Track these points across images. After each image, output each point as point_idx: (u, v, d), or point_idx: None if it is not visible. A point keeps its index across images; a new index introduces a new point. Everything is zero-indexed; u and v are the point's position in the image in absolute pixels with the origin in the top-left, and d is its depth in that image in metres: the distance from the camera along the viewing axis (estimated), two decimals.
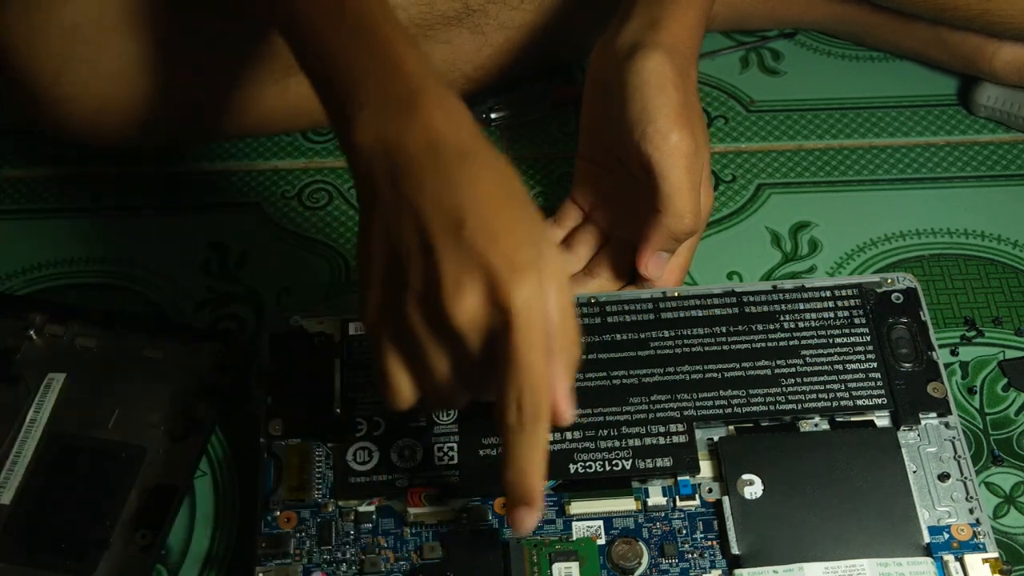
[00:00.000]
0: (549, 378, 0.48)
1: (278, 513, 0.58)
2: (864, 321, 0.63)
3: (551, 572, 0.56)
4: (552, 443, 0.59)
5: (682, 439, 0.59)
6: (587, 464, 0.59)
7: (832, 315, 0.63)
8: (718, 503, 0.58)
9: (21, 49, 0.69)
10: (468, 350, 0.48)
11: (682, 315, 0.64)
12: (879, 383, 0.61)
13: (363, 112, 0.50)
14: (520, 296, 0.46)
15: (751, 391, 0.61)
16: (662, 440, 0.59)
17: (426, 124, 0.49)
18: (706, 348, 0.62)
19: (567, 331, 0.49)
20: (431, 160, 0.48)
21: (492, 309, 0.47)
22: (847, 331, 0.62)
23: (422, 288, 0.48)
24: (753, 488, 0.58)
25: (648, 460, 0.59)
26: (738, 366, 0.61)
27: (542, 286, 0.47)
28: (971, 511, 0.57)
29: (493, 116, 0.82)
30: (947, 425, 0.60)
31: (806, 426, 0.60)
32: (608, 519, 0.58)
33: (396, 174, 0.48)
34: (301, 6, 0.53)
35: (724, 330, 0.63)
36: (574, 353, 0.49)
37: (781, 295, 0.64)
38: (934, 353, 0.62)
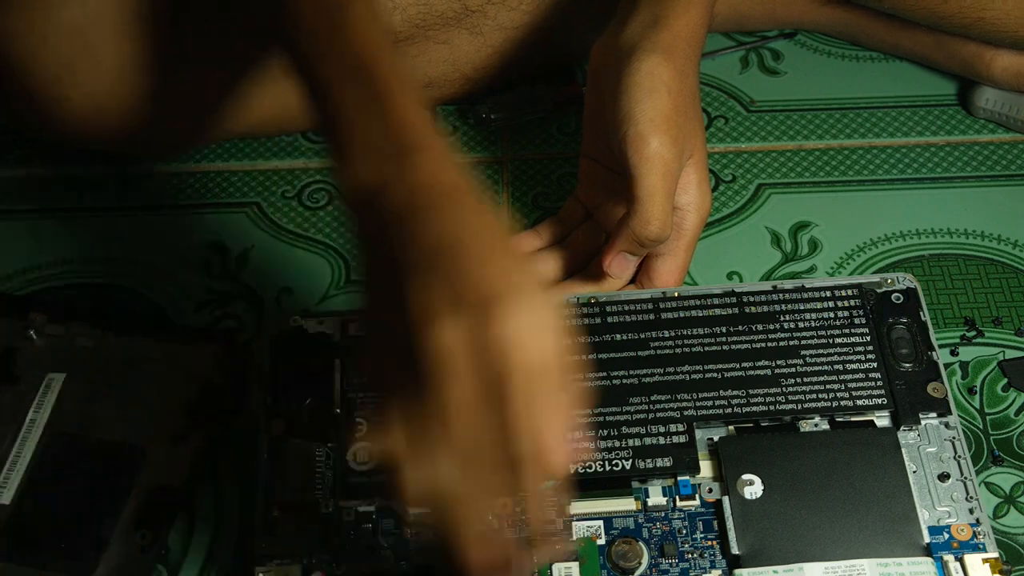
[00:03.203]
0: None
1: (278, 513, 0.58)
2: (864, 321, 0.63)
3: (551, 572, 0.56)
4: None
5: (682, 439, 0.59)
6: (587, 464, 0.59)
7: (832, 315, 0.63)
8: (718, 503, 0.58)
9: (21, 50, 0.69)
10: (436, 388, 0.43)
11: (682, 315, 0.64)
12: (879, 383, 0.61)
13: (362, 157, 0.49)
14: (510, 322, 0.43)
15: (751, 391, 0.61)
16: (662, 440, 0.59)
17: (416, 168, 0.48)
18: (706, 348, 0.62)
19: (553, 370, 0.44)
20: (413, 203, 0.47)
21: (470, 337, 0.43)
22: (847, 331, 0.62)
23: (404, 325, 0.44)
24: (753, 488, 0.58)
25: (648, 460, 0.59)
26: (738, 366, 0.61)
27: (534, 311, 0.43)
28: (971, 511, 0.57)
29: (493, 116, 0.82)
30: (947, 425, 0.60)
31: (806, 426, 0.60)
32: (608, 519, 0.58)
33: (384, 217, 0.47)
34: (302, 48, 0.52)
35: (724, 330, 0.63)
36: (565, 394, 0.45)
37: (781, 295, 0.64)
38: (934, 353, 0.62)
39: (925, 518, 0.57)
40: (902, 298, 0.64)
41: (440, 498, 0.44)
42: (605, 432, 0.59)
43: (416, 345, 0.43)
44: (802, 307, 0.63)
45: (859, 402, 0.60)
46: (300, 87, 0.53)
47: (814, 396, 0.60)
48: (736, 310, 0.64)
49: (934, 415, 0.60)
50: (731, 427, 0.60)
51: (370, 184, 0.48)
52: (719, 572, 0.56)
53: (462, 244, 0.45)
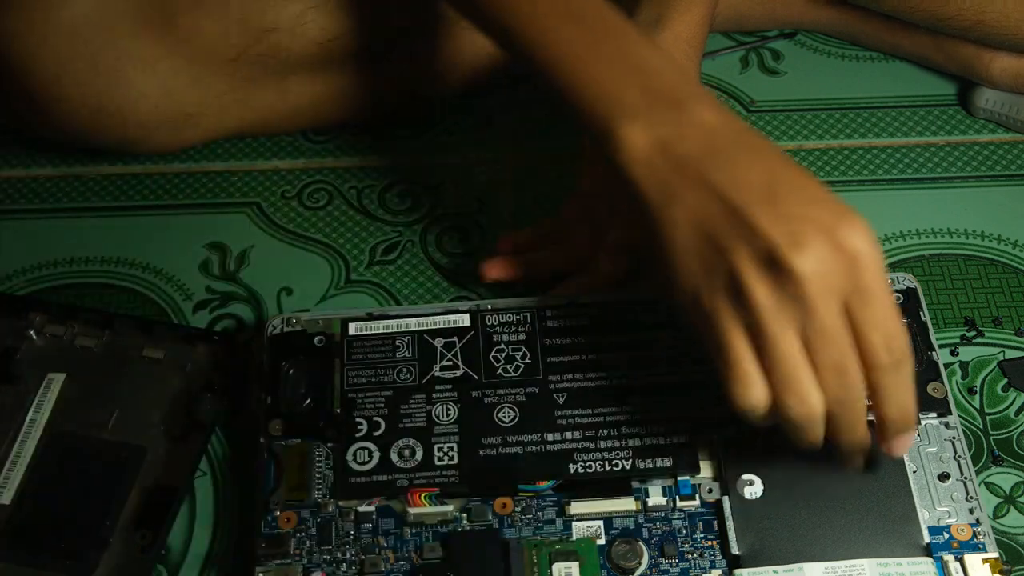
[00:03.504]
0: None
1: (278, 513, 0.58)
2: None
3: (551, 572, 0.56)
4: (552, 443, 0.59)
5: (682, 439, 0.59)
6: (587, 464, 0.59)
7: None
8: (718, 503, 0.58)
9: (21, 49, 0.69)
10: (816, 308, 0.48)
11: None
12: None
13: (631, 120, 0.52)
14: (861, 238, 0.48)
15: None
16: (662, 440, 0.59)
17: (697, 118, 0.52)
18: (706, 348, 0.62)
19: None
20: (714, 146, 0.51)
21: (837, 256, 0.48)
22: None
23: (759, 259, 0.48)
24: (753, 488, 0.58)
25: (648, 460, 0.59)
26: None
27: (866, 227, 0.49)
28: (971, 511, 0.57)
29: (493, 117, 0.82)
30: (947, 425, 0.60)
31: None
32: (608, 519, 0.58)
33: (684, 166, 0.51)
34: (540, 25, 0.55)
35: None
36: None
37: None
38: (934, 353, 0.62)
39: (925, 518, 0.57)
40: (902, 298, 0.64)
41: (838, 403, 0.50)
42: (605, 432, 0.60)
43: (788, 268, 0.48)
44: None
45: None
46: (535, 78, 0.56)
47: None
48: None
49: (934, 415, 0.60)
50: (731, 427, 0.60)
51: (655, 141, 0.51)
52: (719, 572, 0.56)
53: (789, 179, 0.50)
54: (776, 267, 0.48)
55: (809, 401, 0.50)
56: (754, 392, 0.50)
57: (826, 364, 0.49)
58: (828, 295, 0.48)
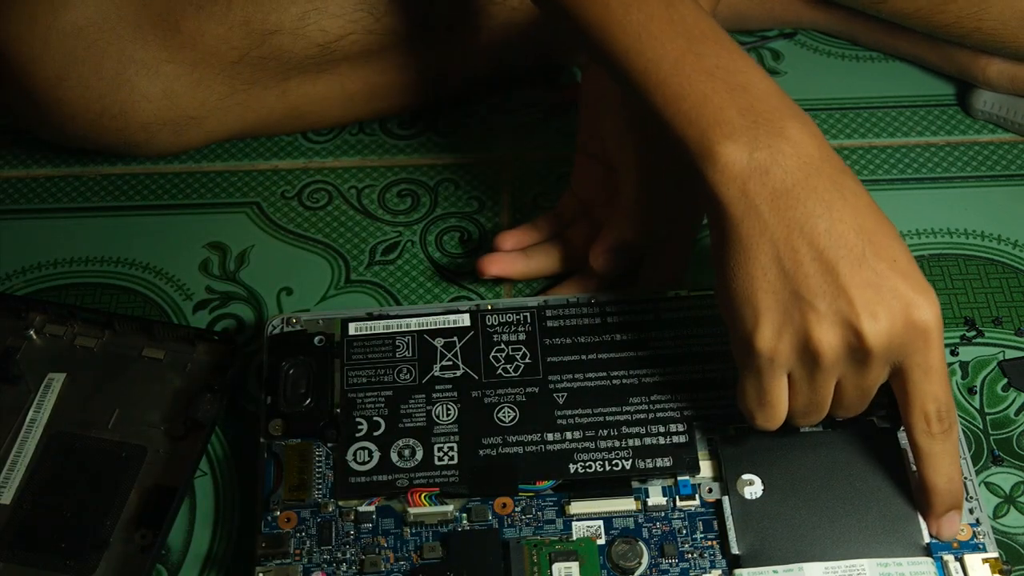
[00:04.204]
0: None
1: (278, 513, 0.58)
2: None
3: (551, 572, 0.56)
4: (552, 443, 0.59)
5: (682, 439, 0.59)
6: (587, 464, 0.59)
7: None
8: (718, 503, 0.58)
9: (23, 52, 0.69)
10: (871, 370, 0.51)
11: (682, 315, 0.64)
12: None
13: (729, 139, 0.51)
14: (933, 314, 0.50)
15: None
16: (662, 440, 0.59)
17: (796, 147, 0.51)
18: (706, 348, 0.62)
19: None
20: (811, 183, 0.51)
21: (907, 330, 0.50)
22: None
23: (833, 313, 0.50)
24: (753, 488, 0.58)
25: (648, 460, 0.59)
26: None
27: (937, 303, 0.51)
28: (971, 511, 0.57)
29: (493, 117, 0.82)
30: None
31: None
32: (608, 519, 0.58)
33: (779, 198, 0.50)
34: (637, 32, 0.54)
35: (724, 330, 0.63)
36: None
37: None
38: None
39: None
40: None
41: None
42: (605, 432, 0.60)
43: (861, 334, 0.50)
44: None
45: None
46: (626, 89, 0.55)
47: None
48: None
49: None
50: (731, 427, 0.60)
51: (751, 166, 0.51)
52: (719, 572, 0.56)
53: (880, 241, 0.51)
54: (849, 328, 0.50)
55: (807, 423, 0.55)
56: (774, 425, 0.54)
57: (846, 407, 0.54)
58: (886, 361, 0.51)
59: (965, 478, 0.58)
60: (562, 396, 0.61)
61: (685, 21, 0.54)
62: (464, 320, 0.64)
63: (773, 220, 0.50)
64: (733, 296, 0.52)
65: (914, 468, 0.55)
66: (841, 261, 0.50)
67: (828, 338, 0.50)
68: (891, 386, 0.53)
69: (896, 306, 0.50)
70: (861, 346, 0.50)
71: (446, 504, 0.58)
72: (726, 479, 0.58)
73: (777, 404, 0.53)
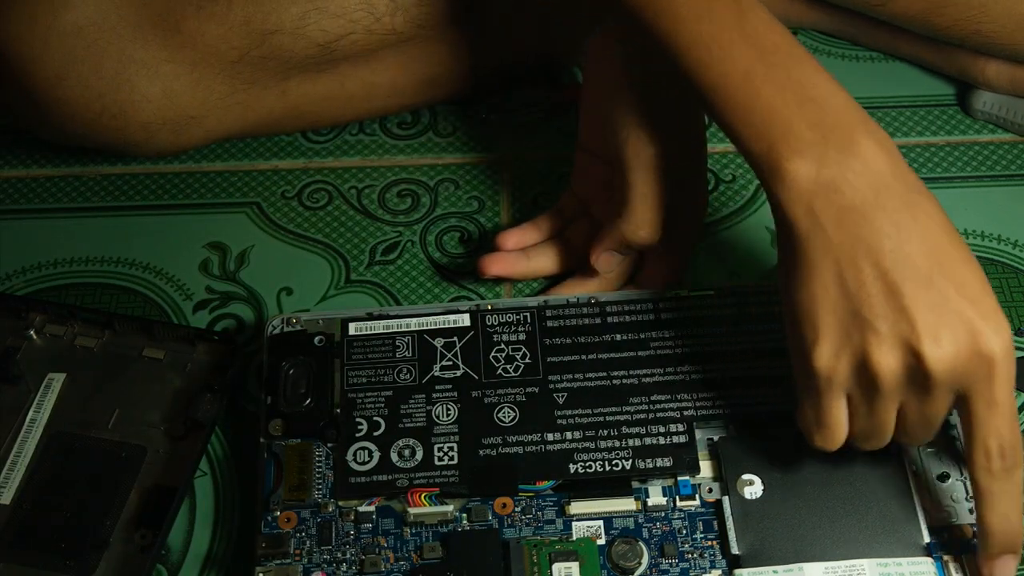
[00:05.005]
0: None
1: (278, 513, 0.58)
2: None
3: (551, 572, 0.56)
4: (552, 443, 0.59)
5: (682, 439, 0.59)
6: (587, 464, 0.59)
7: None
8: (718, 503, 0.58)
9: (23, 51, 0.69)
10: (934, 397, 0.49)
11: (682, 315, 0.64)
12: None
13: (798, 154, 0.50)
14: (1001, 344, 0.48)
15: (751, 391, 0.61)
16: (662, 440, 0.59)
17: (867, 163, 0.50)
18: (706, 348, 0.62)
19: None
20: (880, 202, 0.49)
21: (973, 358, 0.48)
22: None
23: (894, 335, 0.48)
24: (753, 488, 0.58)
25: (648, 460, 0.59)
26: (738, 366, 0.61)
27: (1009, 333, 0.49)
28: (971, 511, 0.57)
29: (493, 116, 0.82)
30: (947, 425, 0.60)
31: None
32: (608, 519, 0.58)
33: (846, 215, 0.49)
34: (708, 43, 0.53)
35: (724, 330, 0.63)
36: None
37: None
38: None
39: (925, 518, 0.57)
40: None
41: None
42: (605, 432, 0.60)
43: (923, 357, 0.48)
44: None
45: None
46: (699, 100, 0.54)
47: None
48: (736, 310, 0.64)
49: None
50: (731, 427, 0.60)
51: (819, 182, 0.49)
52: (719, 572, 0.56)
53: (950, 263, 0.49)
54: (910, 352, 0.48)
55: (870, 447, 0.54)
56: (832, 446, 0.53)
57: (910, 435, 0.52)
58: (949, 389, 0.49)
59: (965, 478, 0.58)
60: (562, 396, 0.61)
61: (757, 32, 0.52)
62: (464, 320, 0.64)
63: (838, 238, 0.49)
64: (795, 314, 0.51)
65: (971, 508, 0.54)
66: (906, 282, 0.48)
67: (887, 361, 0.49)
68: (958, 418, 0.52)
69: (961, 331, 0.48)
70: (922, 371, 0.48)
71: (446, 504, 0.58)
72: (726, 479, 0.58)
73: (835, 426, 0.52)
